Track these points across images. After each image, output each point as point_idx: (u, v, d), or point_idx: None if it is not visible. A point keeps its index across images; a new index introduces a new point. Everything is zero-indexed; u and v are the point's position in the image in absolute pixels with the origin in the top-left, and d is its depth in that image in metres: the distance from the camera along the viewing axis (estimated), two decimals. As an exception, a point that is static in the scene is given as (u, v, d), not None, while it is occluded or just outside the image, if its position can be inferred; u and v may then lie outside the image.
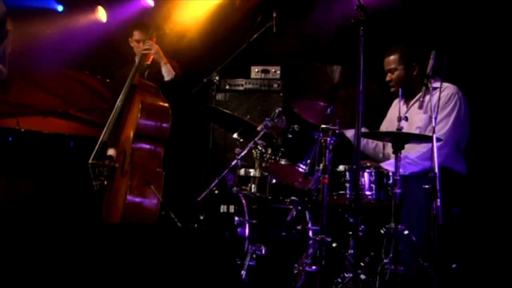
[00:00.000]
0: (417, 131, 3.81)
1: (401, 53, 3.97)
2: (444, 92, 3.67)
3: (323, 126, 3.38)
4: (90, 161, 4.74)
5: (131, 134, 4.64)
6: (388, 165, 3.68)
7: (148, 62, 5.10)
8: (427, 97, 3.40)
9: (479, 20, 4.76)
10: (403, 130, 3.47)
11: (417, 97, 3.93)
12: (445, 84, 3.75)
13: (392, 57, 3.99)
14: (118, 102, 4.87)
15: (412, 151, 3.75)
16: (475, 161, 4.02)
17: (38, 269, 2.88)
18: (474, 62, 4.76)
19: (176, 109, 5.11)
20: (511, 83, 4.68)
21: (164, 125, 4.72)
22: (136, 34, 5.11)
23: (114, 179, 4.74)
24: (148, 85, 4.87)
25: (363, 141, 4.06)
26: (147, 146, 4.66)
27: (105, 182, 4.73)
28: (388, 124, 4.17)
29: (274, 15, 4.71)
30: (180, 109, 5.56)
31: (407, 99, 4.02)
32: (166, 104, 4.79)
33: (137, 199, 4.51)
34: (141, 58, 4.98)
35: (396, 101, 4.11)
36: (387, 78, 4.02)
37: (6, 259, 2.84)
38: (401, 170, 3.43)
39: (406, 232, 3.36)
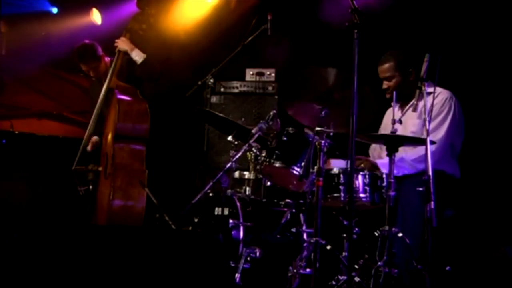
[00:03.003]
0: (412, 135, 3.80)
1: (396, 60, 3.95)
2: (438, 98, 3.68)
3: (317, 128, 3.39)
4: (73, 167, 4.76)
5: (111, 136, 4.69)
6: (383, 166, 3.69)
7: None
8: (421, 101, 3.41)
9: (472, 24, 4.78)
10: (398, 133, 3.48)
11: (412, 102, 3.94)
12: (439, 89, 3.75)
13: (387, 65, 3.97)
14: (97, 108, 4.93)
15: (409, 152, 3.76)
16: (469, 164, 4.03)
17: (31, 271, 2.87)
18: (467, 66, 4.78)
19: (171, 111, 5.10)
20: (504, 87, 4.71)
21: (143, 124, 4.76)
22: (82, 67, 5.13)
23: (99, 182, 4.77)
24: (125, 87, 4.93)
25: None
26: (128, 146, 4.70)
27: (91, 187, 4.74)
28: (383, 129, 4.17)
29: (269, 17, 4.73)
30: (175, 110, 5.57)
31: (402, 103, 4.03)
32: (144, 104, 4.84)
33: (122, 201, 4.54)
34: (116, 60, 5.00)
35: (390, 109, 4.12)
36: (384, 86, 3.98)
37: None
38: (395, 171, 3.44)
39: (400, 234, 3.37)
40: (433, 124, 3.65)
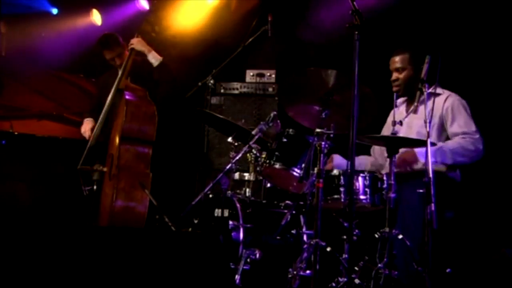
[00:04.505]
0: (418, 136, 3.77)
1: (412, 53, 3.97)
2: (450, 100, 3.82)
3: (317, 130, 3.38)
4: (78, 166, 4.75)
5: (118, 137, 4.67)
6: (422, 154, 3.69)
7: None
8: (425, 102, 3.39)
9: (473, 24, 4.77)
10: (399, 134, 3.47)
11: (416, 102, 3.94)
12: (447, 92, 3.83)
13: (401, 56, 3.99)
14: (106, 107, 4.89)
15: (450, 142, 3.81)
16: (468, 166, 4.02)
17: (32, 271, 2.87)
18: (468, 67, 4.78)
19: (171, 112, 5.08)
20: (505, 88, 4.70)
21: (150, 127, 4.74)
22: (106, 54, 5.08)
23: (103, 183, 4.75)
24: (134, 88, 4.89)
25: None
26: (133, 148, 4.68)
27: (95, 187, 4.72)
28: (386, 130, 4.16)
29: (270, 19, 4.72)
30: (175, 112, 5.57)
31: (409, 102, 4.02)
32: (152, 106, 4.81)
33: (124, 202, 4.52)
34: (128, 59, 4.95)
35: (395, 109, 4.12)
36: (393, 77, 4.00)
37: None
38: (433, 159, 3.47)
39: (400, 236, 3.36)
40: (461, 121, 3.79)
